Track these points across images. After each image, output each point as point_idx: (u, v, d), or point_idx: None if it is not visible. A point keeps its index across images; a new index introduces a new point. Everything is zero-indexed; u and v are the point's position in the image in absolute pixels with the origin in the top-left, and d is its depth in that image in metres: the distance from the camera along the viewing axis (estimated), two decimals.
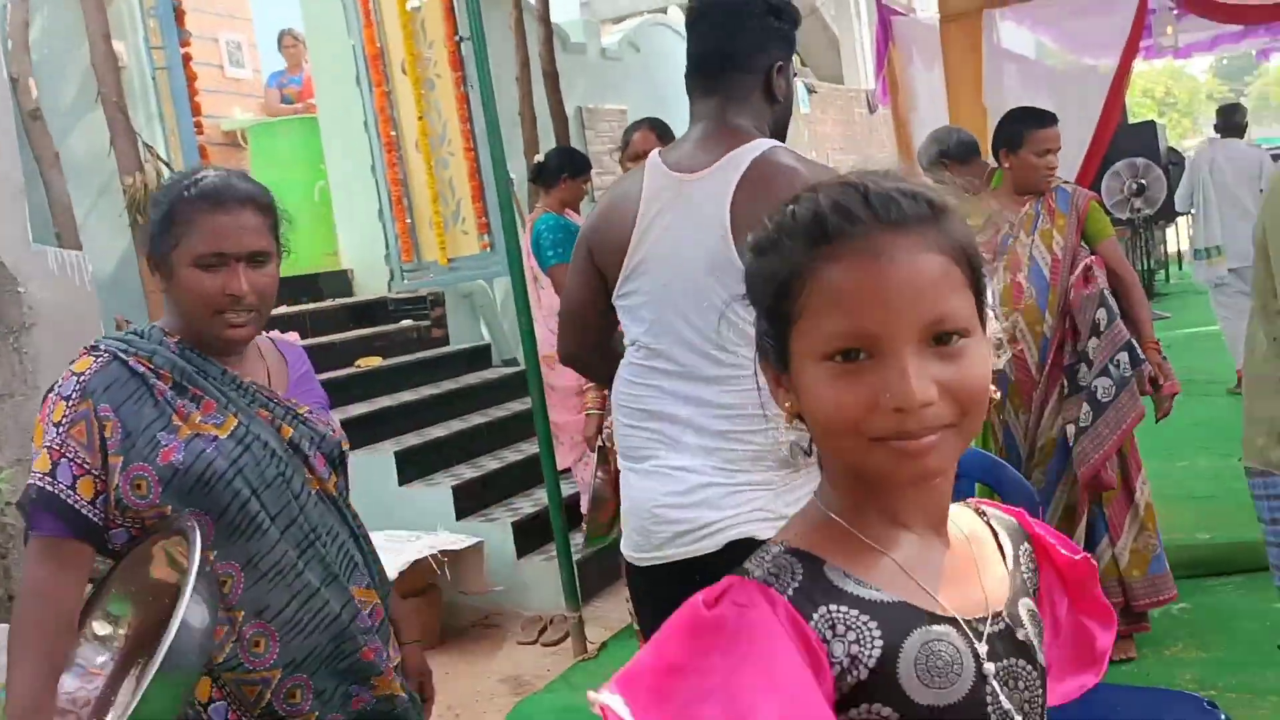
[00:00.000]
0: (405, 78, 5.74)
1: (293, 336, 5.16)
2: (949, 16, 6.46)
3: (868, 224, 0.97)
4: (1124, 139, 10.66)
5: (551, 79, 7.19)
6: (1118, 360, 3.67)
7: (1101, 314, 3.72)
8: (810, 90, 14.21)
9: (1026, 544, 1.17)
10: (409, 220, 5.94)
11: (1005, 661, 1.04)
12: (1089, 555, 1.19)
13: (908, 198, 0.99)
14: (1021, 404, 3.90)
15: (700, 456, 2.07)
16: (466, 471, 5.80)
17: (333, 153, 7.60)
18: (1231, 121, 8.37)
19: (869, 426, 0.96)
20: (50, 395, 1.86)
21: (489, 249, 5.66)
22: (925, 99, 6.64)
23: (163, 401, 1.86)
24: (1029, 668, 1.06)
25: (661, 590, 2.02)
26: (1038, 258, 3.88)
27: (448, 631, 5.09)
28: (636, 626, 2.41)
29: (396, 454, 5.63)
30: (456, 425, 6.26)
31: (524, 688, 4.44)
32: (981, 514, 1.17)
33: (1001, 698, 1.03)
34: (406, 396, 6.35)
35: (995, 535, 1.15)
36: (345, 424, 5.78)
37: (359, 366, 6.53)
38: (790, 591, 0.99)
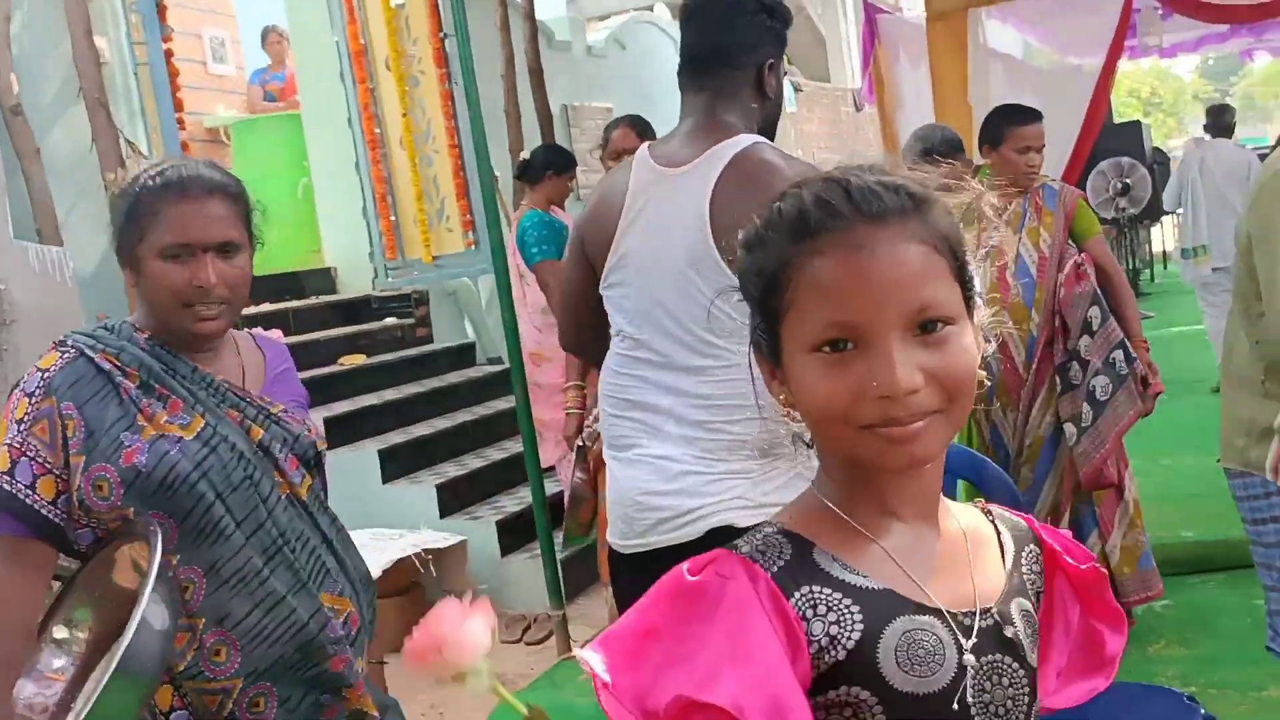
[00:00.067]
0: (389, 74, 5.71)
1: (275, 334, 5.14)
2: (935, 15, 6.48)
3: (850, 218, 1.00)
4: (1109, 138, 10.70)
5: (536, 76, 7.17)
6: (1113, 359, 3.68)
7: (1094, 312, 3.72)
8: (796, 88, 14.21)
9: (1034, 547, 1.18)
10: (393, 217, 5.91)
11: (990, 657, 1.05)
12: (1094, 563, 1.19)
13: (889, 190, 1.02)
14: (1009, 402, 3.90)
15: (681, 446, 2.11)
16: (450, 470, 5.79)
17: (316, 150, 7.57)
18: (1221, 122, 8.45)
19: (858, 415, 0.98)
20: (15, 391, 1.82)
21: (474, 246, 5.63)
22: (911, 97, 6.64)
23: (128, 400, 1.81)
24: (1015, 665, 1.07)
25: (644, 579, 2.02)
26: (1025, 255, 3.89)
27: None
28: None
29: (380, 452, 5.61)
30: (441, 423, 6.24)
31: (508, 686, 4.39)
32: (988, 514, 1.18)
33: (983, 692, 1.04)
34: (390, 395, 6.33)
35: (999, 535, 1.16)
36: (328, 422, 5.78)
37: (342, 365, 6.51)
38: (775, 569, 1.02)
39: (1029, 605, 1.12)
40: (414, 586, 4.94)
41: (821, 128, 15.25)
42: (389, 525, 5.02)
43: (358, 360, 6.57)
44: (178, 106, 6.07)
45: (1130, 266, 13.19)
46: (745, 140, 2.14)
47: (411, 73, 5.65)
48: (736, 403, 2.04)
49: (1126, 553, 3.85)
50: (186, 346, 1.90)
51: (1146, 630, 3.98)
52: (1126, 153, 12.15)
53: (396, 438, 5.89)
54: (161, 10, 6.05)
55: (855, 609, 1.01)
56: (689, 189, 2.12)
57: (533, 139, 7.00)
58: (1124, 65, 9.29)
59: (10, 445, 1.76)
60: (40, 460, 1.76)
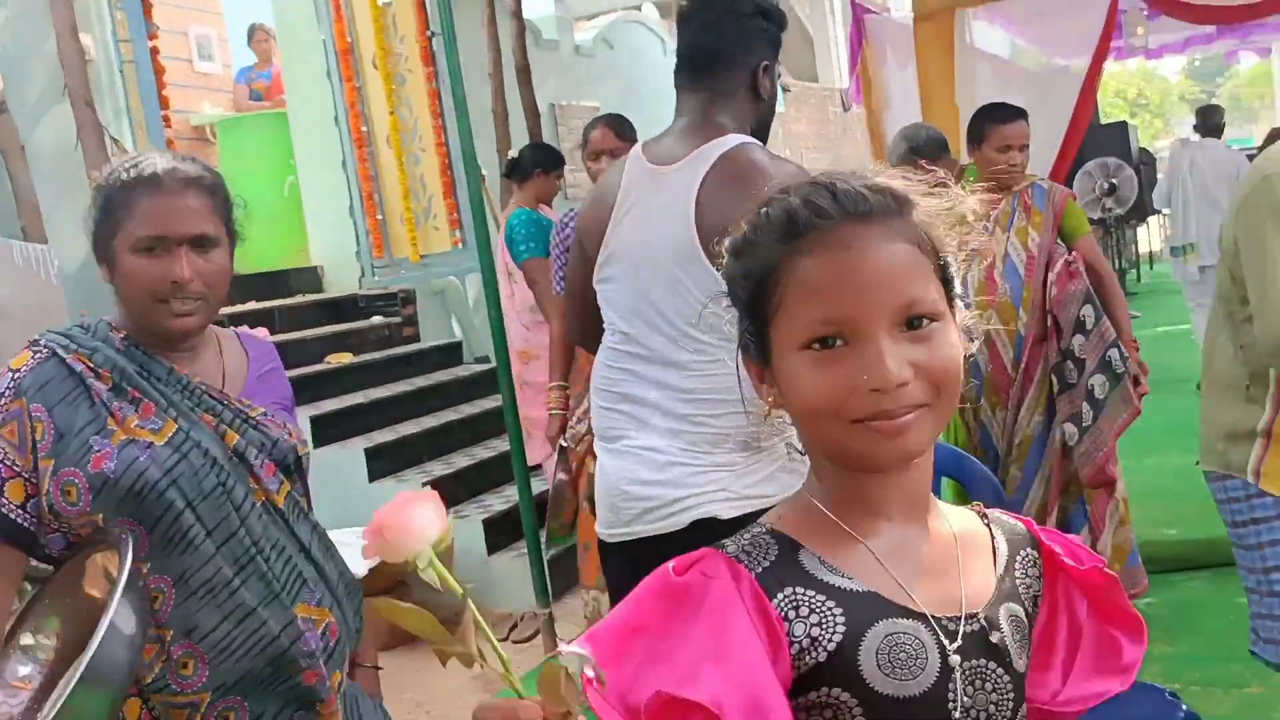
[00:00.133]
0: (376, 73, 5.72)
1: (262, 332, 5.13)
2: (922, 15, 6.48)
3: (837, 218, 1.02)
4: (1096, 139, 10.74)
5: (524, 75, 7.16)
6: (1109, 357, 3.69)
7: (1087, 310, 3.73)
8: (785, 89, 14.22)
9: (1031, 551, 1.17)
10: (380, 216, 5.92)
11: (974, 662, 1.06)
12: (1099, 566, 1.17)
13: (874, 191, 1.04)
14: (998, 401, 3.91)
15: (668, 438, 2.15)
16: (437, 468, 5.78)
17: (303, 148, 7.54)
18: (1211, 122, 8.55)
19: (849, 409, 1.00)
20: None
21: (461, 245, 5.65)
22: (899, 98, 6.65)
23: (99, 403, 1.75)
24: (999, 671, 1.07)
25: (631, 568, 2.08)
26: (1013, 255, 3.89)
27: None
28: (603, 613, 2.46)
29: (367, 451, 5.60)
30: (428, 422, 6.24)
31: (493, 685, 4.42)
32: (984, 517, 1.18)
33: (965, 696, 1.04)
34: (377, 393, 6.32)
35: (993, 539, 1.16)
36: (315, 421, 5.76)
37: (329, 363, 6.49)
38: (760, 569, 1.03)
39: (1020, 610, 1.12)
40: (400, 585, 4.93)
41: (809, 128, 15.26)
42: None
43: (344, 359, 6.56)
44: (163, 104, 6.06)
45: (1116, 267, 13.22)
46: (733, 140, 2.18)
47: (398, 71, 5.66)
48: (720, 397, 2.07)
49: (1117, 551, 3.87)
50: (164, 346, 1.84)
51: None
52: (1113, 153, 12.19)
53: (383, 436, 5.88)
54: (147, 8, 6.04)
55: (838, 611, 1.02)
56: (676, 186, 2.16)
57: (520, 138, 7.00)
58: (1111, 66, 9.33)
59: None
60: (9, 463, 1.72)
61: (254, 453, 1.84)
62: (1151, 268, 17.13)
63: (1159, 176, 10.27)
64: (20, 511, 1.72)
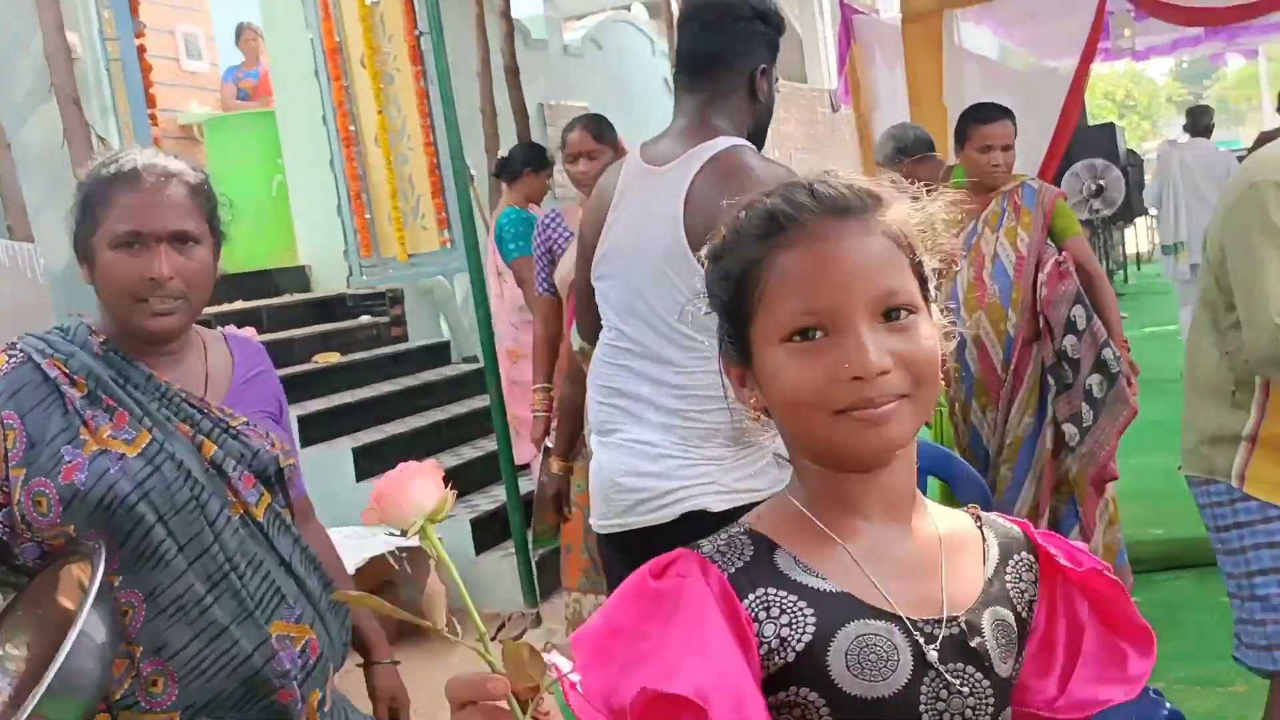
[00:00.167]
0: (364, 72, 5.70)
1: (249, 332, 5.11)
2: (910, 16, 6.49)
3: (816, 213, 1.04)
4: (1084, 140, 10.76)
5: (513, 75, 7.16)
6: (1104, 357, 3.70)
7: (1078, 311, 3.73)
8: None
9: (1026, 555, 1.16)
10: (368, 215, 5.89)
11: (950, 665, 1.04)
12: (1098, 569, 1.16)
13: (850, 189, 1.06)
14: (989, 401, 3.92)
15: (660, 432, 2.19)
16: None
17: (290, 147, 7.53)
18: (1200, 123, 8.65)
19: (831, 399, 1.01)
20: None
21: (449, 245, 5.63)
22: (887, 99, 6.66)
23: (72, 411, 1.69)
24: (978, 676, 1.06)
25: (625, 559, 2.13)
26: (1002, 255, 3.90)
27: (404, 628, 5.05)
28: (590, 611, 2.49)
29: (354, 450, 5.59)
30: (415, 422, 6.23)
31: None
32: (977, 520, 1.17)
33: (938, 700, 1.04)
34: (365, 393, 6.31)
35: (984, 542, 1.15)
36: (302, 420, 5.75)
37: (317, 363, 6.47)
38: (732, 570, 1.04)
39: (1008, 614, 1.11)
40: (387, 585, 4.92)
41: (798, 128, 15.28)
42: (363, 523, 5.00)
43: (332, 358, 6.55)
44: (150, 103, 6.03)
45: (1105, 268, 13.28)
46: (725, 142, 2.21)
47: (386, 70, 5.64)
48: (711, 393, 2.10)
49: (1107, 550, 3.89)
50: (144, 349, 1.78)
51: None
52: (1100, 155, 12.21)
53: (370, 436, 5.87)
54: (134, 6, 6.01)
55: (809, 611, 1.02)
56: (667, 186, 2.20)
57: (509, 138, 7.00)
58: (1099, 68, 9.37)
59: None
60: None
61: (232, 464, 1.77)
62: (1139, 269, 17.17)
63: (1148, 178, 10.32)
64: None
